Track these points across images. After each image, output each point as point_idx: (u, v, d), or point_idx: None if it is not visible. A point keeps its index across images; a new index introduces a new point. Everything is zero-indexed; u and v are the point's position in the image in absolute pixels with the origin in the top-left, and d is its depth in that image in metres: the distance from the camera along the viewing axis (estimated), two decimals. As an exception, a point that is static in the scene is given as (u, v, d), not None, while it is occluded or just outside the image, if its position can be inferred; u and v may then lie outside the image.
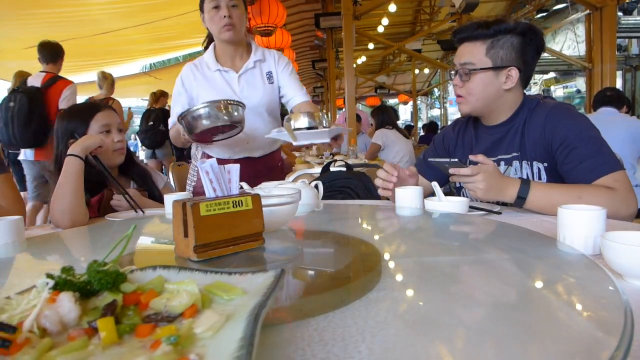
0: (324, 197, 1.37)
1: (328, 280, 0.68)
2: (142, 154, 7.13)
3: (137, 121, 7.04)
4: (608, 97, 3.20)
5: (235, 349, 0.33)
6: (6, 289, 0.64)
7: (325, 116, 1.56)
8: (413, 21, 12.70)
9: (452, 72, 1.41)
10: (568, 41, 12.43)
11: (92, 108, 1.55)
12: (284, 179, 2.01)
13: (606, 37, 5.96)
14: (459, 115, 1.55)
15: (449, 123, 1.83)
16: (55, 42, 3.65)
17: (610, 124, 2.82)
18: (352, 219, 1.20)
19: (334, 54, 10.12)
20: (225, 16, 1.70)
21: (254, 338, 0.35)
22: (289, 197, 0.88)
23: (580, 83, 12.68)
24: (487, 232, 0.96)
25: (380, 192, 1.37)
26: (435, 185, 1.21)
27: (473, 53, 1.34)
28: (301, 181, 1.29)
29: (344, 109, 6.95)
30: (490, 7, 10.80)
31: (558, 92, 14.01)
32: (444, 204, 1.16)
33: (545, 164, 1.30)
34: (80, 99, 3.92)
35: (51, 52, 3.57)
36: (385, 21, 9.14)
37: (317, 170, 2.27)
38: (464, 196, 1.44)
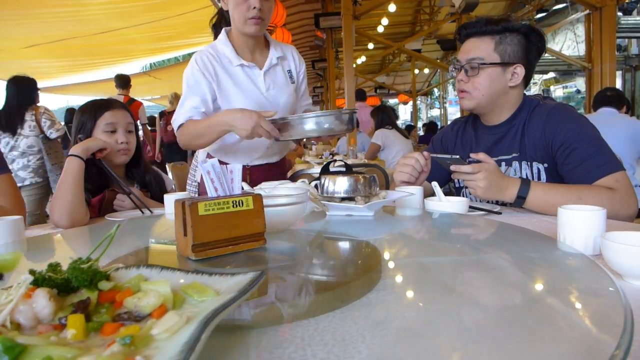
0: (324, 197, 1.37)
1: (328, 280, 0.68)
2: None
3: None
4: (608, 98, 3.20)
5: (177, 352, 0.33)
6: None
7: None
8: (413, 21, 12.70)
9: (456, 67, 1.40)
10: (568, 41, 12.43)
11: (102, 106, 1.53)
12: (285, 178, 2.01)
13: (606, 37, 5.96)
14: (458, 115, 1.55)
15: (449, 123, 1.82)
16: (125, 74, 5.31)
17: (610, 124, 2.82)
18: (352, 219, 1.20)
19: (334, 53, 10.11)
20: (255, 7, 1.50)
21: (197, 343, 0.34)
22: (297, 197, 0.88)
23: (580, 83, 12.68)
24: (487, 232, 0.96)
25: (402, 177, 1.36)
26: (435, 185, 1.21)
27: (481, 48, 1.34)
28: (301, 181, 1.29)
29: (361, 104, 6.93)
30: (490, 7, 10.80)
31: (558, 92, 14.01)
32: (444, 204, 1.16)
33: (545, 165, 1.30)
34: (81, 99, 3.99)
35: (123, 81, 5.21)
36: (385, 21, 9.13)
37: (317, 170, 2.27)
38: (464, 196, 1.44)
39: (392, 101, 22.90)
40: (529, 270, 0.66)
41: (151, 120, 6.71)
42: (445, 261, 0.73)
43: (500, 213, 1.20)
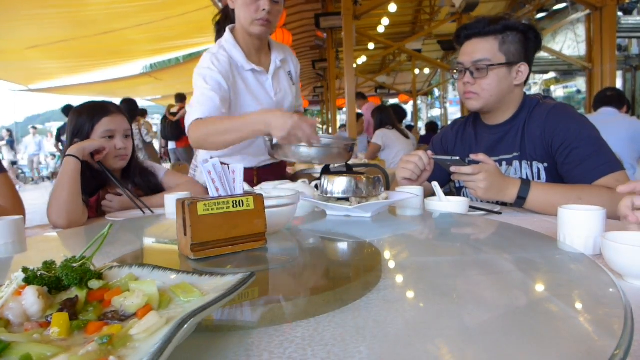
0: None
1: (328, 280, 0.68)
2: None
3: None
4: (608, 97, 3.20)
5: (149, 354, 0.33)
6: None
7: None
8: (413, 21, 12.69)
9: (459, 70, 1.38)
10: (568, 41, 12.43)
11: (100, 111, 1.51)
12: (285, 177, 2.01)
13: (606, 37, 5.94)
14: (459, 115, 1.55)
15: (449, 123, 1.82)
16: (183, 93, 7.37)
17: (610, 124, 2.82)
18: (352, 219, 1.20)
19: (334, 54, 10.10)
20: (264, 9, 1.48)
21: (168, 345, 0.34)
22: (288, 199, 0.88)
23: (580, 83, 12.68)
24: (488, 232, 0.96)
25: (404, 174, 1.35)
26: (435, 185, 1.21)
27: (487, 49, 1.33)
28: (301, 181, 1.28)
29: (368, 103, 6.93)
30: (490, 7, 10.78)
31: (558, 92, 14.01)
32: (445, 204, 1.16)
33: (545, 164, 1.30)
34: (81, 99, 4.03)
35: (181, 97, 7.30)
36: (385, 21, 9.12)
37: (317, 170, 2.27)
38: (464, 196, 1.44)
39: (392, 101, 22.88)
40: (529, 271, 0.66)
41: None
42: (445, 261, 0.73)
43: (500, 213, 1.20)
